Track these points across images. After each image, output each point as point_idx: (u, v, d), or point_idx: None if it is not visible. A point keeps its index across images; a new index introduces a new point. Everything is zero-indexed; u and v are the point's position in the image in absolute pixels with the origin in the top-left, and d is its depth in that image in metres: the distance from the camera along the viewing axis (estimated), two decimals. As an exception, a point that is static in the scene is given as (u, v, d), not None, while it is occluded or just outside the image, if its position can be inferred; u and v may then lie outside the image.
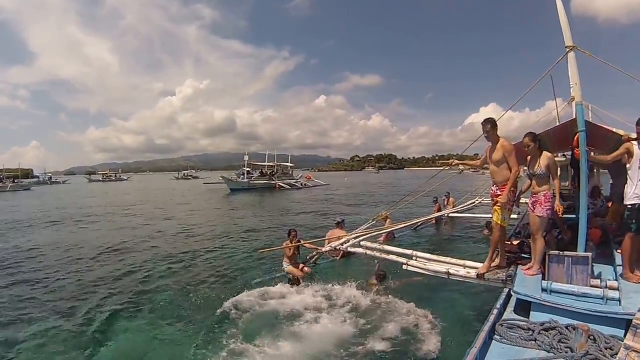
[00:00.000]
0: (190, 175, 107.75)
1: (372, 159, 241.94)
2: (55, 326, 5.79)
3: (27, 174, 73.43)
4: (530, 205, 4.68)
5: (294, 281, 6.99)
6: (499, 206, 4.69)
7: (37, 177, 77.62)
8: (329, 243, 8.16)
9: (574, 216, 6.56)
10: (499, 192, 4.72)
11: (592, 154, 5.08)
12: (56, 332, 5.56)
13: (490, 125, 4.68)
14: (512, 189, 4.64)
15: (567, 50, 4.48)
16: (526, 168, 4.78)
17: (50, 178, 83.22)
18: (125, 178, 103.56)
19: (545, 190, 4.42)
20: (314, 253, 8.32)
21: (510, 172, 4.58)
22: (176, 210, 24.14)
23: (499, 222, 4.75)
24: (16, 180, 62.21)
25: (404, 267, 5.91)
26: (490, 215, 11.16)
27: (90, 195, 43.00)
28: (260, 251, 8.55)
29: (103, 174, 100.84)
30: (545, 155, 4.42)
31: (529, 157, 4.66)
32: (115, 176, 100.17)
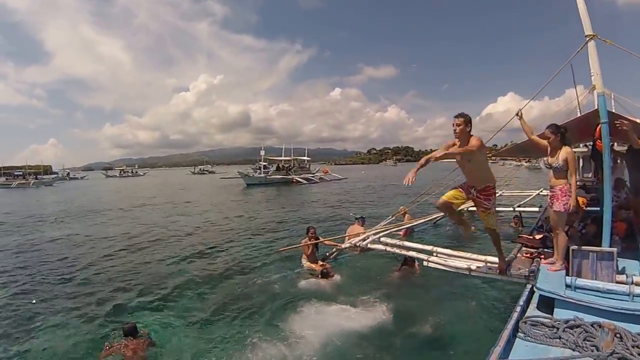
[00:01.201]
0: (206, 170, 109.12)
1: (389, 151, 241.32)
2: (80, 318, 6.08)
3: (46, 170, 75.73)
4: (548, 201, 4.62)
5: (324, 274, 7.18)
6: (484, 212, 4.40)
7: (56, 173, 79.93)
8: (348, 239, 8.26)
9: (597, 208, 6.48)
10: (480, 196, 4.35)
11: (615, 144, 5.02)
12: (80, 324, 5.83)
13: (463, 119, 4.08)
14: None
15: (587, 39, 4.40)
16: (545, 158, 4.64)
17: (69, 174, 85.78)
18: (142, 173, 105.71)
19: (562, 184, 4.32)
20: (334, 250, 8.42)
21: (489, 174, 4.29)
22: (195, 205, 24.64)
23: (493, 227, 4.55)
24: (38, 177, 64.16)
25: (425, 263, 5.90)
26: (510, 209, 10.98)
27: (111, 190, 44.26)
28: (280, 249, 8.72)
29: (120, 170, 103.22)
30: (565, 149, 4.29)
31: (548, 148, 4.48)
32: (132, 171, 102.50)
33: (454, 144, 4.20)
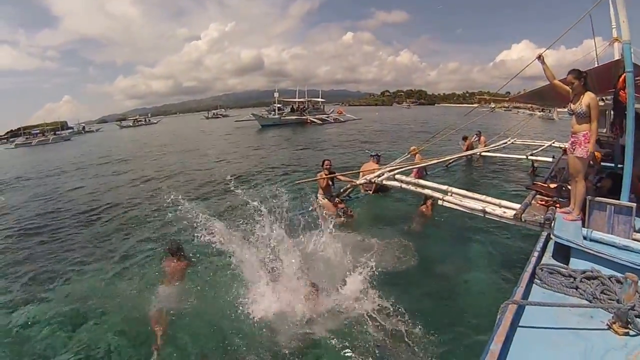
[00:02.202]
0: (220, 114, 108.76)
1: (402, 93, 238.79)
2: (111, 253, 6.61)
3: (62, 126, 76.98)
4: (569, 147, 4.52)
5: (345, 213, 7.41)
6: None
7: (71, 127, 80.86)
8: (363, 175, 8.33)
9: (612, 165, 6.34)
10: None
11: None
12: (112, 259, 6.35)
13: None
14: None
15: None
16: (569, 105, 4.46)
17: (84, 128, 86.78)
18: (155, 121, 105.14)
19: (586, 130, 4.25)
20: (348, 186, 8.46)
21: None
22: (209, 148, 25.09)
23: None
24: (56, 133, 65.91)
25: (440, 202, 5.98)
26: (523, 157, 10.81)
27: (126, 140, 44.86)
28: (296, 182, 8.72)
29: (133, 119, 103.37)
30: (588, 94, 4.21)
31: (571, 94, 4.40)
32: (145, 120, 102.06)
33: None
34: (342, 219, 7.30)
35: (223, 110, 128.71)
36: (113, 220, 8.92)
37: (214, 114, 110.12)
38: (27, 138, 61.47)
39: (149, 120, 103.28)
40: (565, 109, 4.53)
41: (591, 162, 4.71)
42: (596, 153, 6.30)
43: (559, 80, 4.60)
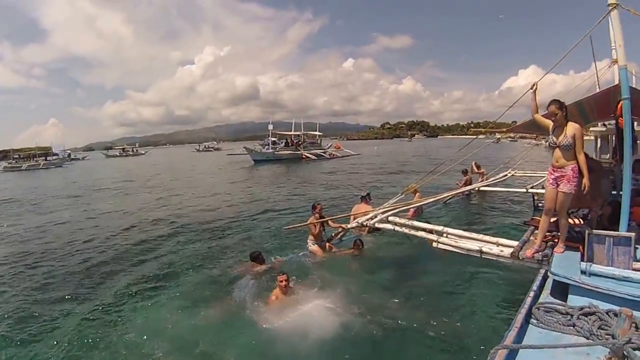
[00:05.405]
0: (212, 147, 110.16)
1: (403, 125, 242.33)
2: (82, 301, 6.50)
3: (48, 151, 76.85)
4: (551, 180, 4.49)
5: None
6: None
7: (57, 154, 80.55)
8: (354, 219, 8.31)
9: (614, 192, 6.31)
10: None
11: (635, 124, 4.85)
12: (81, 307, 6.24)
13: None
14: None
15: (610, 8, 4.28)
16: (550, 137, 4.49)
17: (69, 155, 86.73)
18: (143, 152, 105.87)
19: (574, 163, 4.23)
20: (339, 230, 8.43)
21: None
22: (197, 185, 25.04)
23: None
24: (47, 158, 66.45)
25: (434, 244, 5.97)
26: (523, 190, 10.76)
27: (118, 170, 45.23)
28: (285, 227, 8.62)
29: (121, 149, 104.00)
30: (572, 124, 4.23)
31: (551, 126, 4.41)
32: (133, 150, 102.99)
33: None
34: (355, 251, 7.67)
35: (215, 143, 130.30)
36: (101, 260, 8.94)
37: (205, 146, 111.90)
38: (16, 161, 62.26)
39: (137, 151, 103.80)
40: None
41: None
42: None
43: (542, 115, 4.62)
